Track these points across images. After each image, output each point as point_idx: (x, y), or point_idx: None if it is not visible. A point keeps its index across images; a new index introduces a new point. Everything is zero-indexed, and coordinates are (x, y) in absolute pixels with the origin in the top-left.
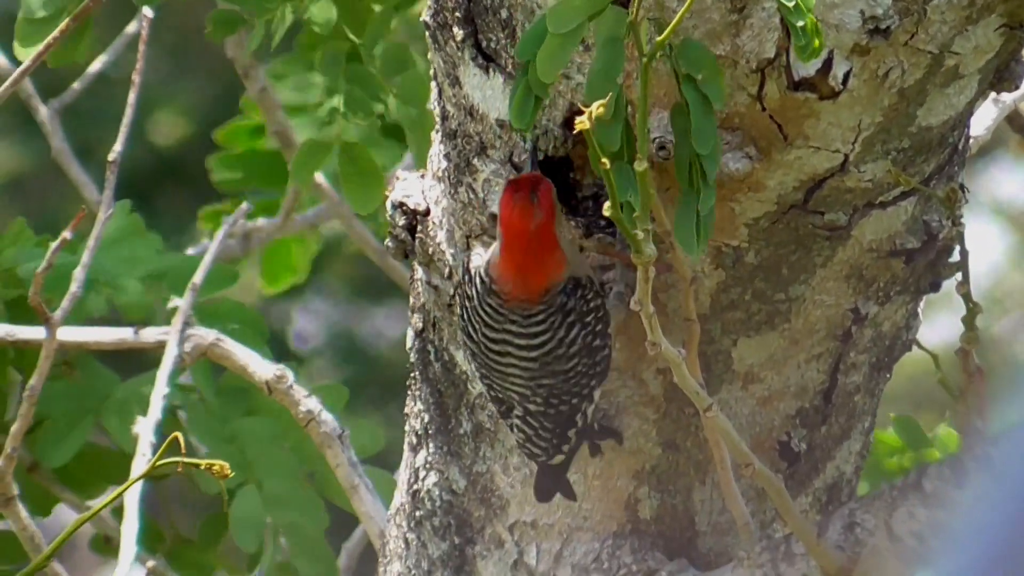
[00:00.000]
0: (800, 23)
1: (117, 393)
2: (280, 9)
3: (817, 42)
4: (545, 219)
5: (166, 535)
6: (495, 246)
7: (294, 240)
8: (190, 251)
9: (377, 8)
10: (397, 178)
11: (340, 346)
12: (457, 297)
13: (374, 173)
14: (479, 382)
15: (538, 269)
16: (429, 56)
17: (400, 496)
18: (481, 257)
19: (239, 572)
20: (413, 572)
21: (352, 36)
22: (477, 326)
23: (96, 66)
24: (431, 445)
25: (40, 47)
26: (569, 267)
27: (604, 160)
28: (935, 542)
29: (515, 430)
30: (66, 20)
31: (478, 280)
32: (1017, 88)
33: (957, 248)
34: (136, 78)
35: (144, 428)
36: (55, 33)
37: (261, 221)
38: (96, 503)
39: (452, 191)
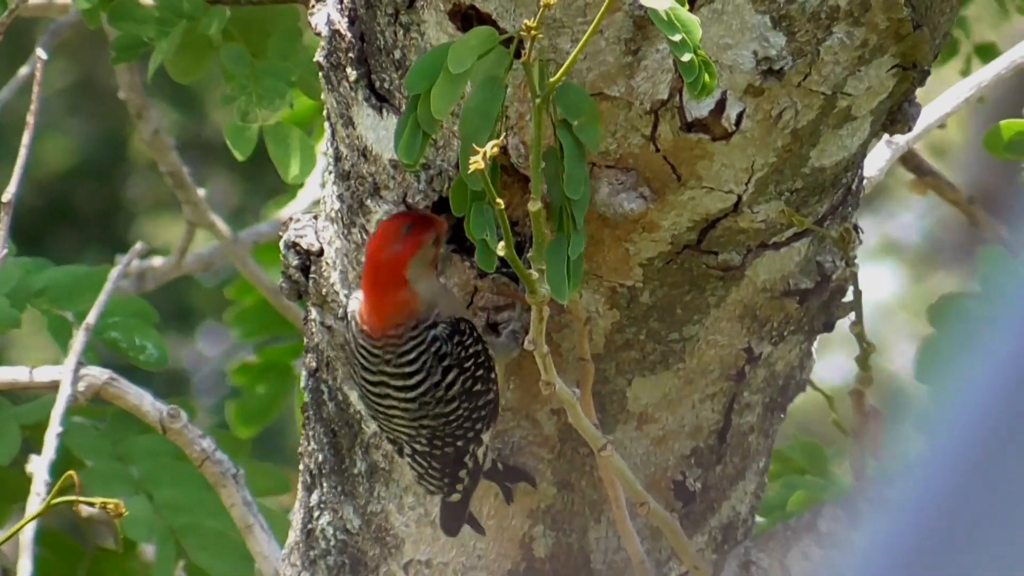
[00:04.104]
0: (686, 57)
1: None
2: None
3: (707, 78)
4: (400, 254)
5: (85, 552)
6: None
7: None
8: None
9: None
10: (291, 219)
11: (230, 386)
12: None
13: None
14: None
15: (379, 303)
16: (322, 97)
17: (294, 535)
18: (358, 300)
19: None
20: None
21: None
22: (357, 368)
23: None
24: (325, 484)
25: None
26: (428, 311)
27: (499, 201)
28: None
29: (409, 467)
30: None
31: (353, 323)
32: (910, 130)
33: (851, 288)
34: (31, 119)
35: (38, 467)
36: None
37: (156, 260)
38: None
39: (345, 232)
